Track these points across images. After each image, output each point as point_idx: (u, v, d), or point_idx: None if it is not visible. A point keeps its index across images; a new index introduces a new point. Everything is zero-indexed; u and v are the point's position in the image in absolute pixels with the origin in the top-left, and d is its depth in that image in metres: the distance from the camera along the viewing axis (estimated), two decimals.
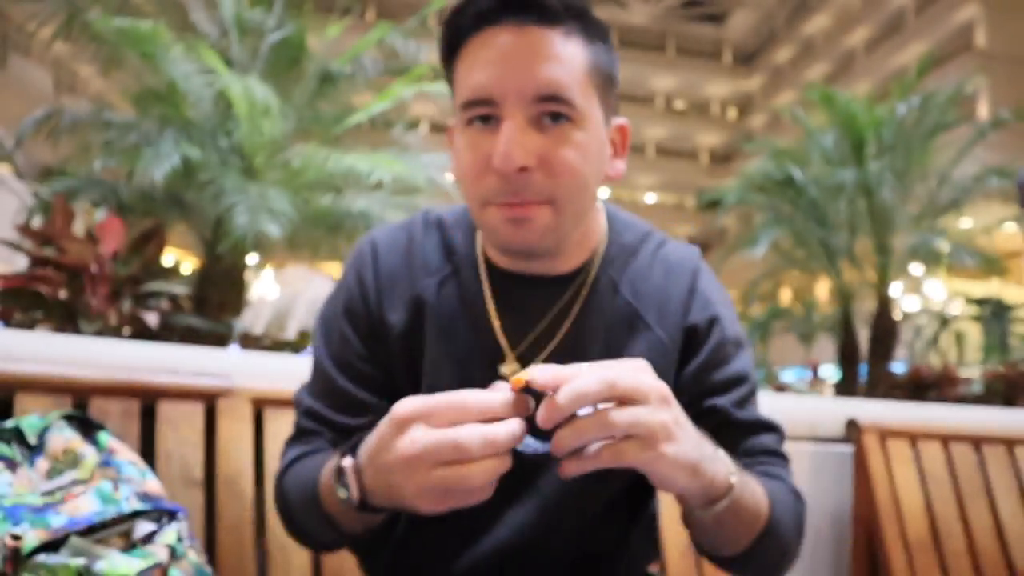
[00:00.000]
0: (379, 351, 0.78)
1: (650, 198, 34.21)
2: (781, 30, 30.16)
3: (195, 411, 1.06)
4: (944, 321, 14.93)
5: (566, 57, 0.66)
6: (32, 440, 0.86)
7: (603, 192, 0.77)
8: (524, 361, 0.74)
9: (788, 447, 0.79)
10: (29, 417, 0.88)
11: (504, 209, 0.68)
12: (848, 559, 1.57)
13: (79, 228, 2.00)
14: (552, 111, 0.66)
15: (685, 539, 1.30)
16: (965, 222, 7.27)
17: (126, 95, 4.67)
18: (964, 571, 1.47)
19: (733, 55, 33.21)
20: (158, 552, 0.75)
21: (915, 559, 1.44)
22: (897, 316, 7.39)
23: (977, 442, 1.60)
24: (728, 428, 0.76)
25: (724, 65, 32.98)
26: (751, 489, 0.67)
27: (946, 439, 1.58)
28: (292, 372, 1.24)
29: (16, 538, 0.69)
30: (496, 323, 0.75)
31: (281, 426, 1.13)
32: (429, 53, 4.83)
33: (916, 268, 7.69)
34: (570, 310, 0.75)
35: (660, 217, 33.40)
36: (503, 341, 0.75)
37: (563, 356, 0.74)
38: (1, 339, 1.12)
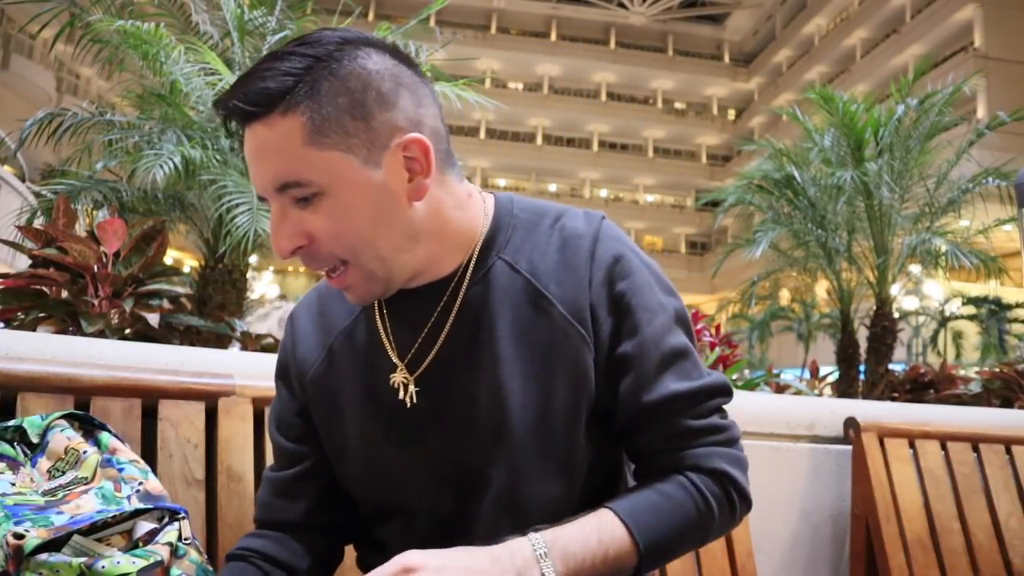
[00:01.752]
0: (307, 405, 0.84)
1: (650, 198, 34.21)
2: (780, 31, 30.18)
3: (196, 411, 1.07)
4: (943, 321, 14.96)
5: (282, 142, 0.67)
6: (34, 439, 0.86)
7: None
8: (412, 367, 0.77)
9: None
10: (31, 416, 0.89)
11: (326, 278, 0.75)
12: (847, 558, 1.58)
13: (81, 228, 2.01)
14: (292, 197, 0.69)
15: None
16: (963, 222, 7.27)
17: (128, 96, 4.68)
18: (962, 570, 1.47)
19: (732, 56, 33.22)
20: (159, 551, 0.76)
21: (913, 558, 1.45)
22: (896, 316, 7.39)
23: (975, 441, 1.61)
24: (638, 416, 0.75)
25: (724, 65, 32.99)
26: (594, 556, 0.68)
27: (944, 439, 1.59)
28: None
29: (19, 537, 0.69)
30: (385, 339, 0.78)
31: None
32: (430, 53, 4.84)
33: (914, 268, 7.69)
34: (452, 306, 0.76)
35: (660, 217, 33.43)
36: (392, 353, 0.78)
37: (454, 352, 0.76)
38: (3, 339, 1.12)
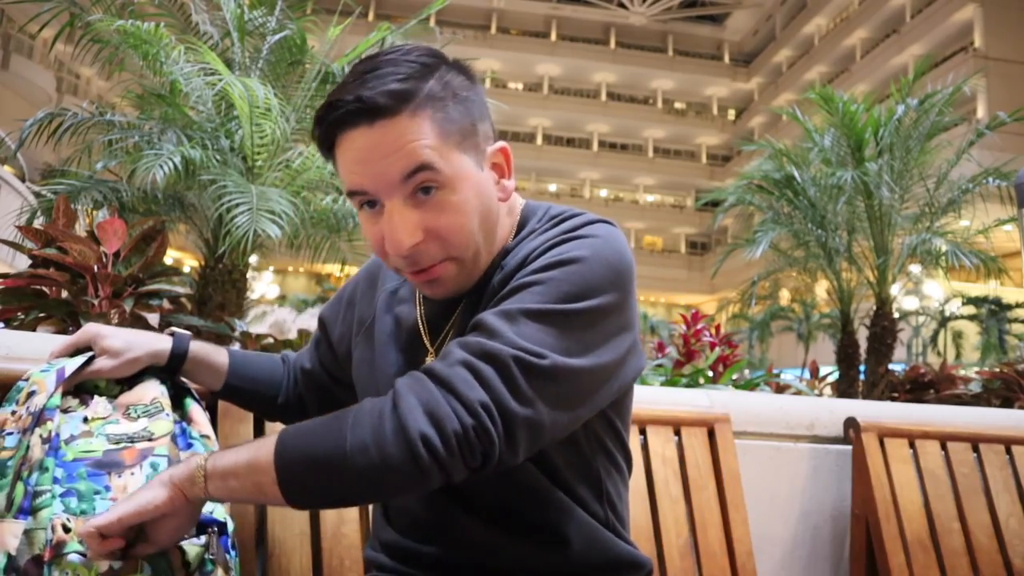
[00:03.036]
0: (331, 348, 0.99)
1: (650, 198, 34.21)
2: (780, 31, 30.18)
3: None
4: (943, 321, 14.97)
5: (417, 134, 0.72)
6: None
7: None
8: (437, 349, 0.84)
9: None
10: None
11: (414, 276, 0.78)
12: (847, 558, 1.58)
13: (81, 228, 2.01)
14: (422, 184, 0.73)
15: (685, 539, 1.31)
16: (963, 222, 7.27)
17: (128, 96, 4.68)
18: (962, 570, 1.47)
19: (732, 56, 33.22)
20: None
21: (913, 558, 1.45)
22: (896, 316, 7.39)
23: (975, 441, 1.61)
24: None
25: (724, 65, 32.99)
26: (239, 454, 0.68)
27: (944, 439, 1.59)
28: None
29: (66, 530, 0.71)
30: (421, 318, 0.86)
31: (282, 425, 1.13)
32: None
33: (914, 268, 7.69)
34: (474, 302, 0.81)
35: (660, 217, 33.43)
36: (426, 338, 0.85)
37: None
38: (3, 339, 1.12)
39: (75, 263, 1.82)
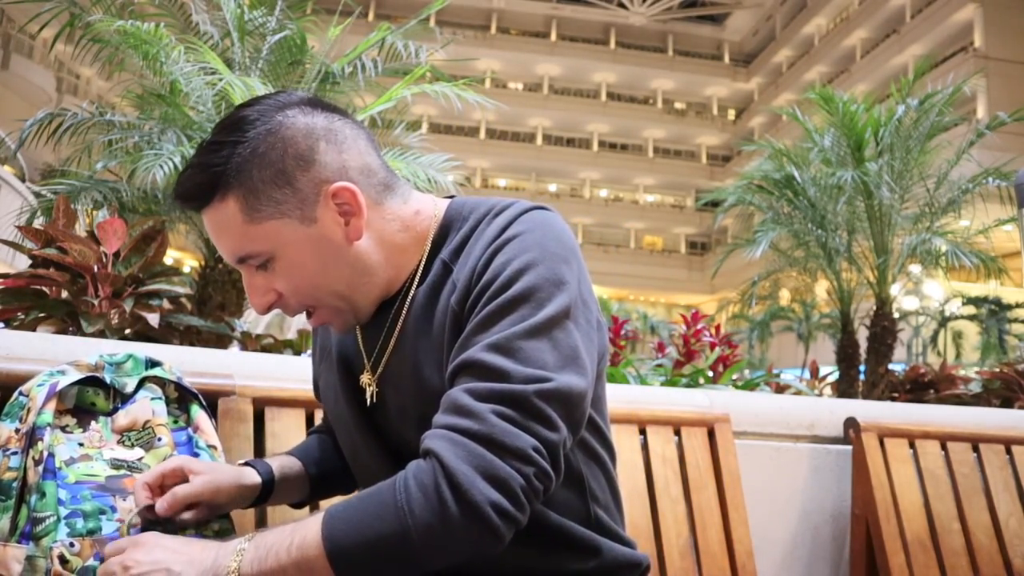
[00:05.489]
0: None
1: (650, 198, 34.22)
2: (780, 31, 30.18)
3: None
4: (943, 321, 14.97)
5: (228, 223, 0.75)
6: (130, 385, 0.86)
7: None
8: (375, 368, 0.84)
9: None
10: (138, 355, 0.90)
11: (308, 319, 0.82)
12: (847, 558, 1.58)
13: (81, 228, 2.01)
14: (250, 266, 0.78)
15: (685, 539, 1.31)
16: (963, 222, 7.27)
17: (128, 96, 4.68)
18: (962, 570, 1.47)
19: (732, 56, 33.22)
20: None
21: (913, 558, 1.45)
22: (896, 316, 7.39)
23: (975, 442, 1.61)
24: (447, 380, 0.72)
25: (724, 65, 32.99)
26: (282, 542, 0.65)
27: (944, 439, 1.59)
28: (293, 372, 1.24)
29: (64, 561, 0.72)
30: (360, 345, 0.86)
31: (282, 426, 1.13)
32: (430, 53, 4.84)
33: (914, 268, 7.69)
34: (399, 314, 0.81)
35: (660, 217, 33.44)
36: (364, 358, 0.85)
37: (400, 351, 0.81)
38: (3, 339, 1.12)
39: (75, 263, 1.82)
